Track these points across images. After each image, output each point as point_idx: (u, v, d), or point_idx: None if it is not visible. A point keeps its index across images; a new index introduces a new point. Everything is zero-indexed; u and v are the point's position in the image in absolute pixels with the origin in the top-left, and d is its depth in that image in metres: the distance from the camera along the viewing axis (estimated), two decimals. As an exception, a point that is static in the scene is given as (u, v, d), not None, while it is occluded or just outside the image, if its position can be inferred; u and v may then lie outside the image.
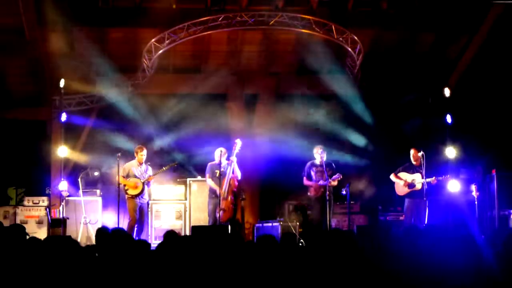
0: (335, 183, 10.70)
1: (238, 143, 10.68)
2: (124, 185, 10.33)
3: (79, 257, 4.94)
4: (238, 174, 10.67)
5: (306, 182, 10.99)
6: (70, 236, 8.62)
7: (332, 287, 4.80)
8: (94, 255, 5.18)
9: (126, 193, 10.36)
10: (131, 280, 4.71)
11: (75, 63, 12.47)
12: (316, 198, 10.85)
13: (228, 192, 10.54)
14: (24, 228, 5.80)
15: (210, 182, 10.82)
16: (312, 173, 10.92)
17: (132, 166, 10.56)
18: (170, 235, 5.62)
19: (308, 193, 11.00)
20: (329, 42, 12.09)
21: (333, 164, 10.92)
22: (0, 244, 5.36)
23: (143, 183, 10.49)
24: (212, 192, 10.80)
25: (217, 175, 10.66)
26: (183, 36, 11.74)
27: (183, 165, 12.75)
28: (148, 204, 11.00)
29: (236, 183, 10.69)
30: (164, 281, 4.77)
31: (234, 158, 10.61)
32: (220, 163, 10.64)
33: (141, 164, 10.63)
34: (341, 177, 10.66)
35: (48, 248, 5.09)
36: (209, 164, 10.97)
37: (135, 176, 10.49)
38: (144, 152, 10.64)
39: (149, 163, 11.48)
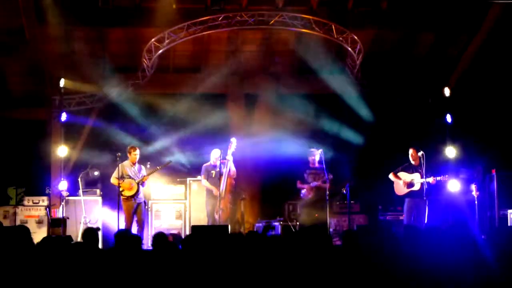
0: (326, 185, 10.66)
1: (233, 142, 10.68)
2: (119, 187, 10.33)
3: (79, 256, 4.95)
4: (234, 173, 10.68)
5: (298, 185, 11.02)
6: (70, 236, 8.65)
7: (332, 287, 4.81)
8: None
9: (122, 195, 10.36)
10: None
11: (75, 63, 12.48)
12: (308, 200, 10.87)
13: (226, 191, 10.56)
14: (29, 230, 5.74)
15: (205, 183, 10.86)
16: (305, 176, 10.95)
17: (126, 166, 10.56)
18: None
19: (301, 196, 11.01)
20: (329, 42, 12.09)
21: (326, 166, 10.72)
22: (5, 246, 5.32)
23: (138, 184, 10.49)
24: (209, 193, 10.82)
25: (213, 175, 10.68)
26: (183, 36, 11.74)
27: (183, 165, 12.76)
28: (145, 202, 11.00)
29: (234, 182, 10.71)
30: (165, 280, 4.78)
31: (230, 157, 10.61)
32: (215, 164, 10.67)
33: (134, 164, 10.64)
34: (332, 176, 10.63)
35: (47, 248, 5.10)
36: (204, 165, 11.00)
37: (129, 177, 10.50)
38: (137, 152, 10.66)
39: (149, 163, 11.51)
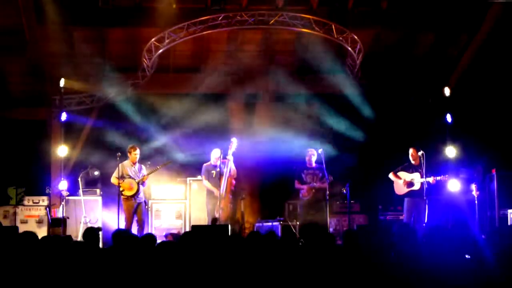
0: (324, 185, 10.65)
1: (234, 142, 10.68)
2: (119, 187, 10.33)
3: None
4: (234, 172, 10.68)
5: (297, 185, 11.01)
6: (70, 236, 8.65)
7: (333, 286, 4.81)
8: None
9: (122, 195, 10.36)
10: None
11: (75, 63, 12.48)
12: (307, 200, 10.87)
13: (226, 191, 10.56)
14: (37, 236, 5.69)
15: (206, 184, 10.86)
16: (303, 176, 10.96)
17: (126, 166, 10.56)
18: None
19: (300, 196, 11.01)
20: (329, 41, 12.09)
21: (324, 166, 10.68)
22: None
23: (138, 183, 10.49)
24: (209, 192, 10.82)
25: (214, 175, 10.68)
26: (183, 36, 11.74)
27: (183, 165, 12.76)
28: (145, 202, 10.99)
29: (234, 182, 10.72)
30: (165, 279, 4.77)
31: (230, 157, 10.61)
32: (215, 164, 10.67)
33: (134, 163, 10.64)
34: (332, 178, 10.62)
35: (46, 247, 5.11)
36: (204, 165, 11.00)
37: (130, 176, 10.49)
38: (138, 151, 10.66)
39: (149, 162, 11.51)
